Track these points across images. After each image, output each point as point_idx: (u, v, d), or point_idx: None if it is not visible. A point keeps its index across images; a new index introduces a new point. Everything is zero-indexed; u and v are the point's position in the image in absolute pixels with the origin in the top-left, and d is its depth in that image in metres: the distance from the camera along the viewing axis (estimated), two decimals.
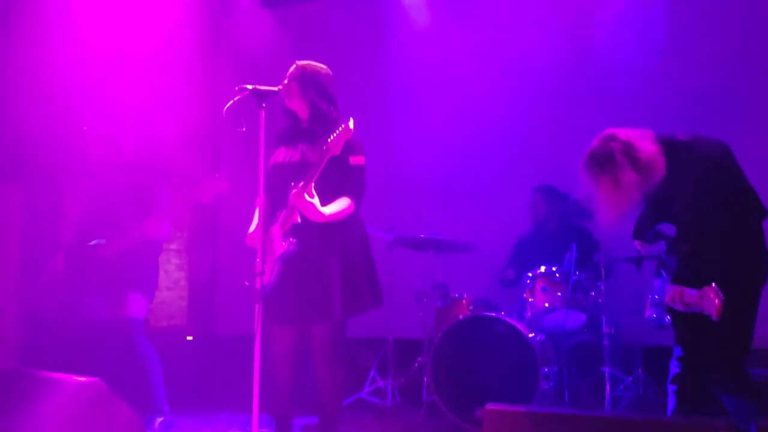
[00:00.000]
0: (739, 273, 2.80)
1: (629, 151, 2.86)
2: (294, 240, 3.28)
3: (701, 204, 2.82)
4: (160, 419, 4.13)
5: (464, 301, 4.80)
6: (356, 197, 3.41)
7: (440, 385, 4.47)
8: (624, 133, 2.92)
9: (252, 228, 3.44)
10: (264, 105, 3.18)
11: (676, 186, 2.88)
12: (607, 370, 4.42)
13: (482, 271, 5.33)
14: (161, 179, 4.27)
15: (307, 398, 3.76)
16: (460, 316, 4.60)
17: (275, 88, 3.28)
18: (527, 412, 2.35)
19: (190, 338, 5.93)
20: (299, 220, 3.29)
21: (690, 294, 2.69)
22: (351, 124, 3.20)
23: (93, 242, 4.16)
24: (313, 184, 3.23)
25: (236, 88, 3.17)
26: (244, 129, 3.21)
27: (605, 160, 2.89)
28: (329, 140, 3.20)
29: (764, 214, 2.94)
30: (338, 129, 3.20)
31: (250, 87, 3.17)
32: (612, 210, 2.94)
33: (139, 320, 4.20)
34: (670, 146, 2.90)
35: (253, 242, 3.33)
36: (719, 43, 5.36)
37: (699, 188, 2.84)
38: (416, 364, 5.00)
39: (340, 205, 3.35)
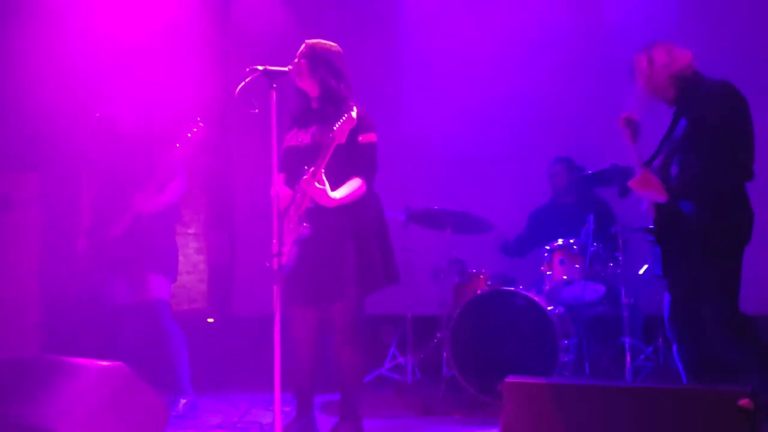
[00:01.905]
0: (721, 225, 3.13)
1: (668, 45, 3.43)
2: (307, 224, 3.30)
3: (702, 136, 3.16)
4: (184, 401, 4.17)
5: (482, 277, 4.79)
6: (367, 176, 3.41)
7: (460, 360, 4.48)
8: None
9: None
10: (275, 85, 3.18)
11: (686, 113, 3.30)
12: (627, 340, 4.41)
13: (499, 247, 5.32)
14: (162, 149, 4.23)
15: (328, 376, 3.79)
16: (479, 291, 4.60)
17: (286, 68, 3.27)
18: (547, 384, 2.36)
19: (211, 320, 5.98)
20: (312, 204, 3.31)
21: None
22: (354, 113, 3.20)
23: None
24: (322, 170, 3.24)
25: (247, 69, 3.17)
26: (257, 111, 3.21)
27: (645, 46, 3.47)
28: (335, 128, 3.20)
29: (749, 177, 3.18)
30: (343, 117, 3.19)
31: (260, 68, 3.17)
32: (644, 85, 3.42)
33: (164, 301, 4.22)
34: (696, 74, 3.36)
35: (274, 202, 3.27)
36: (730, 12, 5.28)
37: (702, 120, 3.19)
38: (435, 340, 5.02)
39: (351, 186, 3.36)
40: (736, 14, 5.28)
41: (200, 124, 4.06)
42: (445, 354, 4.73)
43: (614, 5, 5.62)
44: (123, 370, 3.16)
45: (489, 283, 4.74)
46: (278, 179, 3.22)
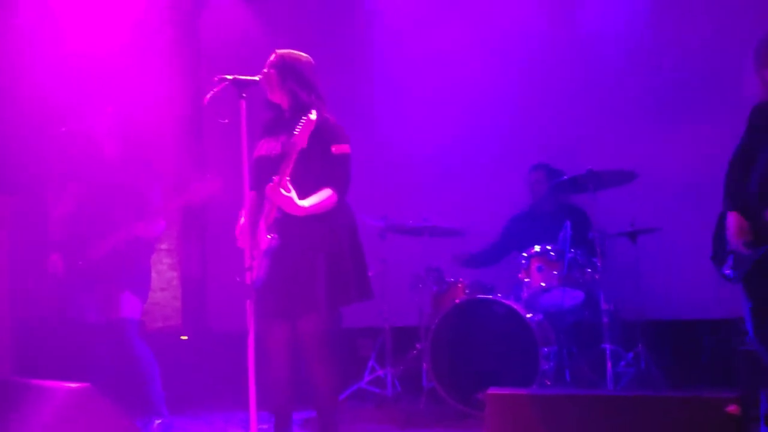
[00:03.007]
0: None
1: None
2: (275, 235, 3.22)
3: None
4: (158, 421, 4.07)
5: (460, 285, 4.75)
6: (339, 187, 3.34)
7: (440, 371, 4.43)
8: None
9: (241, 221, 3.37)
10: (245, 95, 3.12)
11: None
12: (607, 347, 4.38)
13: (464, 248, 5.28)
14: (152, 178, 4.19)
15: (307, 392, 3.71)
16: (457, 300, 4.56)
17: (255, 78, 3.21)
18: (529, 394, 2.30)
19: (185, 338, 5.87)
20: (280, 214, 3.24)
21: None
22: (313, 116, 3.14)
23: None
24: (287, 178, 3.17)
25: (216, 79, 3.10)
26: (227, 121, 3.14)
27: None
28: (294, 134, 3.14)
29: None
30: (301, 122, 3.13)
31: (229, 77, 3.11)
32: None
33: (133, 321, 4.13)
34: None
35: (242, 241, 3.26)
36: (705, 14, 5.31)
37: None
38: (415, 351, 4.95)
39: (321, 196, 3.28)
40: (707, 14, 5.30)
41: (212, 183, 3.97)
42: (424, 365, 4.67)
43: (588, 11, 5.62)
44: (90, 391, 3.06)
45: (467, 291, 4.70)
46: (249, 193, 3.14)
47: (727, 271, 3.19)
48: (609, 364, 4.33)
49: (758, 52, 3.17)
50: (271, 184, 3.18)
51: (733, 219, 3.10)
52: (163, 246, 6.21)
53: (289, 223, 3.24)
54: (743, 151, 3.27)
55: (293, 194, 3.18)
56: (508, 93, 5.71)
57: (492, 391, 2.32)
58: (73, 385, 3.05)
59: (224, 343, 5.59)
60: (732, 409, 1.96)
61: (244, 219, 3.19)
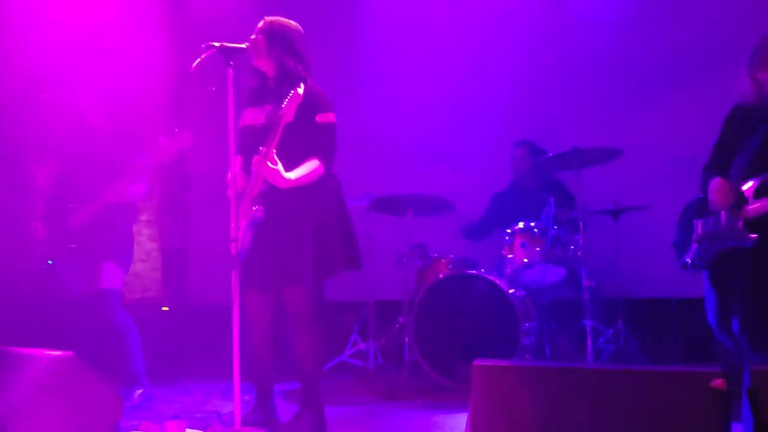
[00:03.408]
0: None
1: None
2: (260, 207, 3.19)
3: None
4: (139, 391, 4.05)
5: (444, 261, 4.76)
6: (325, 157, 3.31)
7: (422, 345, 4.45)
8: None
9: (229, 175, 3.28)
10: (232, 63, 3.06)
11: None
12: (588, 323, 4.42)
13: (461, 221, 5.29)
14: (132, 145, 4.13)
15: (288, 364, 3.71)
16: (441, 275, 4.57)
17: (243, 45, 3.16)
18: (516, 366, 2.32)
19: (165, 309, 5.84)
20: (266, 186, 3.20)
21: None
22: (301, 90, 3.11)
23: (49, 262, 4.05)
24: (274, 150, 3.13)
25: (203, 46, 3.05)
26: (213, 89, 3.10)
27: None
28: (282, 107, 3.10)
29: None
30: (289, 94, 3.10)
31: (216, 44, 3.05)
32: None
33: (115, 291, 4.10)
34: None
35: (230, 185, 3.17)
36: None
37: None
38: (397, 325, 4.97)
39: (307, 168, 3.25)
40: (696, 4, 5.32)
41: (182, 137, 3.89)
42: (407, 339, 4.70)
43: None
44: (73, 359, 3.03)
45: (450, 267, 4.72)
46: (235, 161, 3.11)
47: (687, 259, 3.24)
48: (589, 340, 4.37)
49: (755, 54, 3.18)
50: (257, 156, 3.14)
51: (717, 182, 3.12)
52: (143, 217, 6.15)
53: (275, 195, 3.21)
54: (721, 150, 3.32)
55: (280, 166, 3.15)
56: (494, 71, 5.70)
57: (478, 362, 2.33)
58: (55, 353, 3.02)
59: (205, 315, 5.59)
60: (717, 383, 1.98)
61: (231, 186, 3.13)
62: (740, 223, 3.01)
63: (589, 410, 2.12)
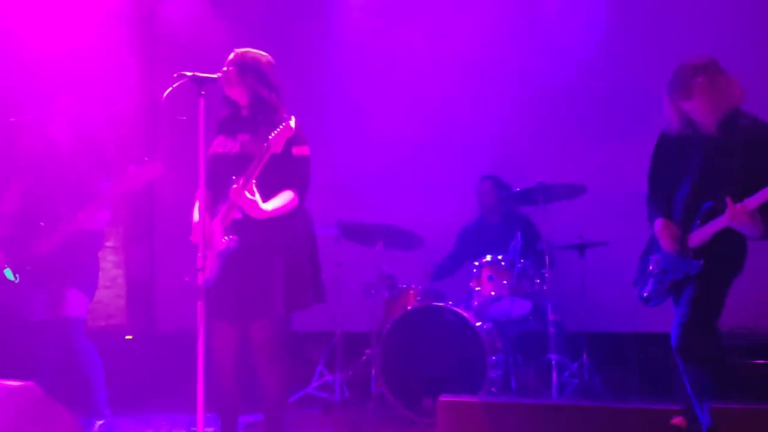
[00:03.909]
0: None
1: (718, 64, 3.19)
2: (234, 237, 3.19)
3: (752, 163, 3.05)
4: (100, 422, 3.97)
5: (412, 292, 4.77)
6: (300, 189, 3.33)
7: (389, 377, 4.44)
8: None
9: (195, 218, 3.30)
10: (203, 92, 3.08)
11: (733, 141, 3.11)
12: (553, 357, 4.45)
13: (429, 262, 5.32)
14: (102, 174, 4.10)
15: (254, 395, 3.67)
16: (408, 307, 4.58)
17: (214, 75, 3.18)
18: (480, 402, 2.33)
19: (129, 337, 5.75)
20: (240, 215, 3.20)
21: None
22: (293, 122, 3.14)
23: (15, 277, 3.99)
24: (253, 181, 3.14)
25: (174, 75, 3.06)
26: (184, 118, 3.10)
27: (700, 65, 3.18)
28: (270, 137, 3.12)
29: None
30: (280, 126, 3.12)
31: (189, 74, 3.07)
32: (709, 110, 3.15)
33: (79, 319, 4.03)
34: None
35: (196, 237, 3.20)
36: (658, 33, 5.45)
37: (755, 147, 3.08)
38: (364, 357, 4.95)
39: (282, 199, 3.27)
40: (659, 32, 5.45)
41: (152, 167, 3.87)
42: (373, 371, 4.68)
43: (544, 28, 5.73)
44: (33, 389, 2.98)
45: (419, 298, 4.73)
46: (203, 194, 3.10)
47: (644, 294, 3.33)
48: (554, 374, 4.40)
49: (675, 83, 3.23)
50: (235, 186, 3.14)
51: (661, 223, 3.24)
52: (109, 243, 6.07)
53: (248, 224, 3.21)
54: (657, 180, 3.43)
55: (257, 197, 3.15)
56: (463, 106, 5.79)
57: (444, 397, 2.33)
58: (15, 383, 2.96)
59: (170, 344, 5.51)
60: (677, 420, 2.01)
61: (199, 215, 3.13)
62: (689, 253, 3.13)
63: None
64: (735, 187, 3.01)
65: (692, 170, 3.22)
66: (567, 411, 2.21)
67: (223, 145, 3.42)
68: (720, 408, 2.08)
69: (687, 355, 3.02)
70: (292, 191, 3.30)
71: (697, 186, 3.18)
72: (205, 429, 2.99)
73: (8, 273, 3.97)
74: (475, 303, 4.66)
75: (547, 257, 4.57)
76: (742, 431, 2.03)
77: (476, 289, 4.68)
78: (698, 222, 3.12)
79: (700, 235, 3.11)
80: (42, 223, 4.01)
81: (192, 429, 4.03)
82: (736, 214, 2.91)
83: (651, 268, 3.32)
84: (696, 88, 3.14)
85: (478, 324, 4.42)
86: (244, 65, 3.38)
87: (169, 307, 6.07)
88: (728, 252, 3.11)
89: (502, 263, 4.66)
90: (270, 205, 3.22)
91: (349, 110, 6.03)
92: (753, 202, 2.90)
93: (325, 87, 6.11)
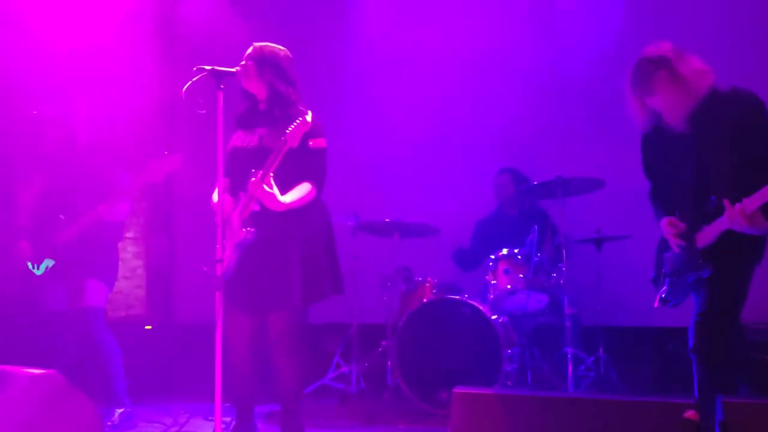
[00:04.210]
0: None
1: (681, 52, 2.95)
2: (252, 229, 3.23)
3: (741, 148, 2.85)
4: (120, 411, 4.04)
5: (428, 285, 4.79)
6: (317, 182, 3.36)
7: (404, 369, 4.46)
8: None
9: (215, 197, 3.29)
10: (222, 86, 3.10)
11: (713, 129, 2.90)
12: (569, 350, 4.45)
13: (446, 255, 5.34)
14: (122, 167, 4.16)
15: (270, 385, 3.72)
16: (424, 300, 4.60)
17: (233, 69, 3.20)
18: (494, 394, 2.34)
19: (148, 327, 5.82)
20: (258, 208, 3.24)
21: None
22: (309, 116, 3.17)
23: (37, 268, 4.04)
24: (271, 174, 3.17)
25: (194, 69, 3.09)
26: (204, 111, 3.13)
27: (659, 58, 2.93)
28: (287, 132, 3.14)
29: None
30: (297, 121, 3.14)
31: (208, 68, 3.10)
32: (675, 105, 2.93)
33: (99, 309, 4.09)
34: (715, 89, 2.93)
35: (217, 209, 3.18)
36: (677, 25, 5.41)
37: (741, 131, 2.87)
38: (380, 349, 4.98)
39: (300, 191, 3.30)
40: (679, 25, 5.41)
41: (173, 160, 3.93)
42: (389, 363, 4.71)
43: (562, 19, 5.70)
44: (55, 377, 3.03)
45: (435, 291, 4.74)
46: (222, 183, 3.14)
47: (663, 295, 3.20)
48: (570, 368, 4.40)
49: (635, 79, 3.02)
50: (254, 179, 3.17)
51: (665, 222, 3.08)
52: (129, 234, 6.15)
53: (266, 217, 3.25)
54: (652, 175, 3.30)
55: (276, 190, 3.19)
56: (480, 100, 5.77)
57: (458, 389, 2.35)
58: (36, 371, 3.02)
59: (188, 334, 5.57)
60: (690, 414, 2.02)
61: (219, 196, 3.14)
62: (699, 254, 2.96)
63: None
64: (732, 182, 2.82)
65: (685, 167, 3.06)
66: (578, 404, 2.23)
67: (242, 139, 3.46)
68: (732, 402, 2.08)
69: (702, 355, 2.89)
70: (310, 183, 3.33)
71: (693, 185, 3.01)
72: (223, 418, 3.03)
73: (31, 266, 4.04)
74: (491, 296, 4.67)
75: (563, 251, 4.57)
76: (755, 426, 2.04)
77: (492, 282, 4.69)
78: (702, 223, 2.96)
79: (706, 236, 2.94)
80: (62, 216, 4.07)
81: (210, 418, 4.10)
82: (734, 217, 2.72)
83: (665, 268, 3.24)
84: (657, 83, 2.92)
85: (493, 317, 4.43)
86: (263, 59, 3.41)
87: (187, 298, 6.13)
88: (739, 249, 2.89)
89: (519, 257, 4.66)
90: (288, 198, 3.25)
91: (366, 103, 6.04)
92: (752, 203, 2.69)
93: (343, 80, 6.13)
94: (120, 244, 4.34)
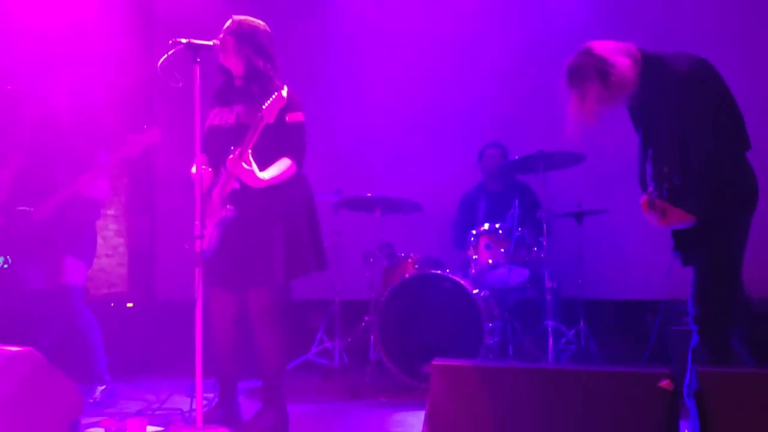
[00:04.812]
0: (722, 204, 2.73)
1: (601, 65, 2.82)
2: (231, 207, 3.21)
3: (675, 121, 2.76)
4: (101, 388, 4.04)
5: (410, 260, 4.80)
6: (297, 156, 3.33)
7: (387, 344, 4.48)
8: (600, 47, 2.88)
9: (194, 169, 3.24)
10: (199, 60, 3.07)
11: (651, 103, 2.83)
12: (549, 323, 4.49)
13: (428, 230, 5.35)
14: (98, 140, 4.12)
15: (253, 361, 3.72)
16: (406, 275, 4.61)
17: (210, 42, 3.16)
18: (474, 366, 2.36)
19: (130, 305, 5.80)
20: (238, 185, 3.22)
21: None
22: (285, 91, 3.13)
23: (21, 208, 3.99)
24: (250, 150, 3.15)
25: (170, 42, 3.05)
26: (180, 84, 3.10)
27: (575, 75, 2.90)
28: (263, 108, 3.11)
29: (745, 145, 2.81)
30: (272, 97, 3.11)
31: (184, 41, 3.06)
32: (575, 123, 2.96)
33: (77, 287, 4.07)
34: (646, 60, 2.84)
35: (196, 182, 3.14)
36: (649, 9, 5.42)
37: (670, 104, 2.76)
38: (363, 324, 5.00)
39: (279, 167, 3.27)
40: (655, 11, 5.41)
41: (151, 133, 3.88)
42: (372, 338, 4.73)
43: None
44: (32, 355, 3.01)
45: (417, 266, 4.75)
46: (200, 159, 3.11)
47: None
48: (551, 341, 4.45)
49: (577, 73, 2.93)
50: (232, 156, 3.15)
51: (641, 200, 2.94)
52: (110, 212, 6.12)
53: (246, 194, 3.23)
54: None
55: (254, 167, 3.17)
56: (461, 75, 5.76)
57: (437, 361, 2.37)
58: (14, 348, 2.99)
59: (170, 312, 5.56)
60: (664, 384, 2.04)
61: (196, 169, 3.09)
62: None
63: (540, 409, 2.17)
64: (672, 153, 2.74)
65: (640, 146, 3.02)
66: (556, 374, 2.24)
67: (220, 116, 3.42)
68: (707, 372, 2.11)
69: (698, 328, 2.79)
70: (289, 158, 3.30)
71: (651, 157, 2.94)
72: (205, 394, 3.03)
73: None
74: (473, 271, 4.69)
75: (544, 225, 4.59)
76: (729, 394, 2.06)
77: (474, 257, 4.71)
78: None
79: (670, 223, 2.78)
80: (39, 192, 4.03)
81: (192, 394, 4.10)
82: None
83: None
84: (589, 94, 2.86)
85: (475, 291, 4.45)
86: (242, 35, 3.36)
87: (169, 275, 6.11)
88: (708, 228, 2.77)
89: (500, 231, 4.68)
90: (267, 174, 3.23)
91: (348, 79, 6.01)
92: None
93: (325, 56, 6.08)
94: (101, 222, 4.31)
